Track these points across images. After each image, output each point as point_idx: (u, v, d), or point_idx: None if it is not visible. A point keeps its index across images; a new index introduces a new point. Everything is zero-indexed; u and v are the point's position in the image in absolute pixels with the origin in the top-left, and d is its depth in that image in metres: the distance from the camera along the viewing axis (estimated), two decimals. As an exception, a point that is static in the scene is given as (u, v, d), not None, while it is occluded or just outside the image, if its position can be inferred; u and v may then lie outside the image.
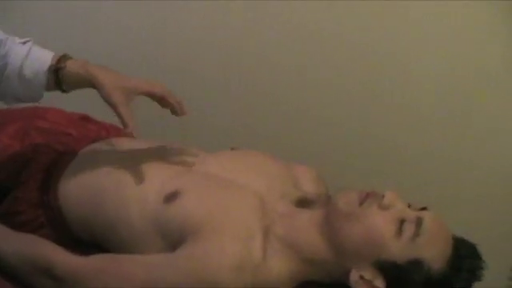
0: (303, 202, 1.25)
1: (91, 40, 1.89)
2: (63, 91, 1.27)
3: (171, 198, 1.15)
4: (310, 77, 1.85)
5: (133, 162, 1.25)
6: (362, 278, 1.09)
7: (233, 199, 1.16)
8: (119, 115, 1.19)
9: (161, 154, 1.30)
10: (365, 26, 1.77)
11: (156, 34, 1.91)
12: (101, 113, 1.48)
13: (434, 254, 1.08)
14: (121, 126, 1.45)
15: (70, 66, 1.24)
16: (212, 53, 1.87)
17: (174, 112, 1.26)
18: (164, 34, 1.90)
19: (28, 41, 1.27)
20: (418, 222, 1.08)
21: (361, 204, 1.11)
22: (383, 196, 1.11)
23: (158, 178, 1.21)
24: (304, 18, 1.80)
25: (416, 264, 1.07)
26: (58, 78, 1.24)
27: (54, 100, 1.33)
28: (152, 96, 1.24)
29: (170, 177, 1.21)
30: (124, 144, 1.37)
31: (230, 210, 1.13)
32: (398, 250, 1.07)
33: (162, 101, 1.25)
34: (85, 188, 1.24)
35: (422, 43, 1.75)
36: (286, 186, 1.26)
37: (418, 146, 1.83)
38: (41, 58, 1.25)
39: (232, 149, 1.39)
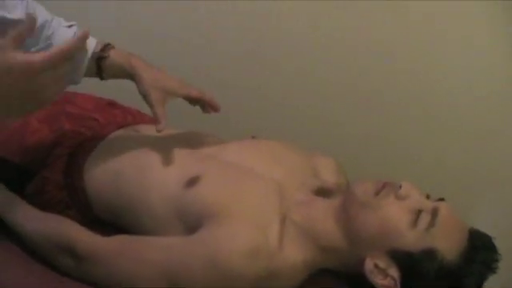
0: (322, 192, 1.27)
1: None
2: (102, 79, 1.30)
3: (191, 183, 1.17)
4: (328, 71, 1.88)
5: (156, 147, 1.28)
6: (376, 266, 1.11)
7: (251, 186, 1.18)
8: (154, 114, 1.23)
9: (183, 142, 1.33)
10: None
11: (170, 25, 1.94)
12: (128, 98, 1.52)
13: (448, 244, 1.08)
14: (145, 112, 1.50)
15: (113, 57, 1.26)
16: (232, 41, 1.90)
17: (206, 110, 1.31)
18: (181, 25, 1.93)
19: (73, 25, 1.29)
20: (434, 213, 1.09)
21: (377, 194, 1.12)
22: (400, 186, 1.13)
23: (180, 163, 1.24)
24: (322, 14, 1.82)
25: (430, 254, 1.07)
26: (100, 66, 1.27)
27: (83, 85, 1.36)
28: (188, 99, 1.30)
29: (191, 163, 1.23)
30: (148, 130, 1.40)
31: (248, 196, 1.15)
32: (413, 239, 1.08)
33: (196, 102, 1.30)
34: (108, 172, 1.28)
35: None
36: (305, 175, 1.28)
37: (433, 146, 1.85)
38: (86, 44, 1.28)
39: (253, 137, 1.41)
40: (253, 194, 1.16)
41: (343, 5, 1.77)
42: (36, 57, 0.90)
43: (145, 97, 1.24)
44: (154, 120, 1.48)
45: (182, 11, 1.90)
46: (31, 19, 0.93)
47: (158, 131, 1.23)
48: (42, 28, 1.27)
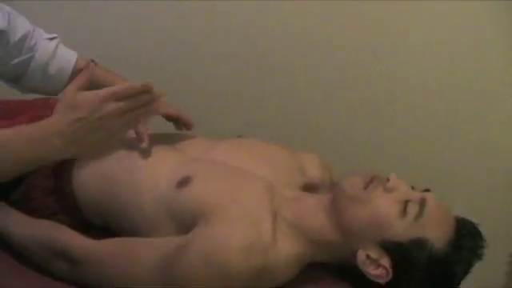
0: (309, 188, 1.30)
1: (87, 39, 1.94)
2: None
3: (183, 183, 1.18)
4: (313, 72, 1.90)
5: (144, 149, 1.28)
6: (368, 257, 1.14)
7: (242, 185, 1.20)
8: (137, 133, 1.27)
9: (170, 142, 1.35)
10: (366, 27, 1.82)
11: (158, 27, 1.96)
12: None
13: (436, 233, 1.12)
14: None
15: (98, 74, 1.31)
16: (218, 42, 1.92)
17: (179, 128, 1.41)
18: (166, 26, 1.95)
19: (55, 37, 1.32)
20: (422, 203, 1.13)
21: (366, 187, 1.15)
22: (388, 179, 1.16)
23: (169, 164, 1.25)
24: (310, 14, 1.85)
25: (419, 243, 1.11)
26: None
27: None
28: (166, 117, 1.39)
29: (181, 163, 1.25)
30: (133, 133, 1.41)
31: (240, 194, 1.17)
32: (403, 229, 1.11)
33: (172, 120, 1.39)
34: (97, 175, 1.28)
35: (423, 42, 1.79)
36: (292, 172, 1.31)
37: (421, 141, 1.90)
38: (66, 57, 1.31)
39: (239, 137, 1.44)
40: (244, 192, 1.18)
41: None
42: (100, 90, 1.05)
43: None
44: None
45: (171, 11, 1.93)
46: (90, 69, 1.09)
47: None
48: (25, 39, 1.29)
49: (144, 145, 1.26)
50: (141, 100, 1.08)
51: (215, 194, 1.16)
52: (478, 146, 1.84)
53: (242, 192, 1.18)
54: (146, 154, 1.27)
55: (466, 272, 1.14)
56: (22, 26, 1.29)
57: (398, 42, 1.80)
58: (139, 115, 1.10)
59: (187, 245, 1.10)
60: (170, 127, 1.42)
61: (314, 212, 1.19)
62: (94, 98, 1.04)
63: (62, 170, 1.30)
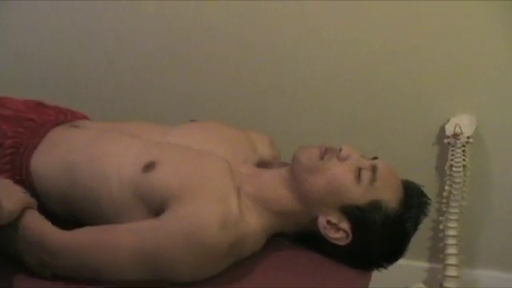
0: (262, 164, 1.38)
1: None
2: None
3: (149, 167, 1.22)
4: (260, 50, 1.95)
5: (104, 138, 1.32)
6: (329, 222, 1.23)
7: (205, 165, 1.25)
8: None
9: (127, 131, 1.37)
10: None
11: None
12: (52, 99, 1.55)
13: (389, 195, 1.23)
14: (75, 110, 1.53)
15: None
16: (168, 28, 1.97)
17: None
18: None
19: None
20: (374, 169, 1.23)
21: (321, 158, 1.24)
22: (340, 149, 1.25)
23: (131, 150, 1.28)
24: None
25: (375, 205, 1.21)
26: None
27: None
28: None
29: (143, 148, 1.29)
30: (88, 125, 1.43)
31: (206, 174, 1.22)
32: (359, 194, 1.21)
33: None
34: (59, 166, 1.29)
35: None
36: (246, 150, 1.38)
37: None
38: None
39: (192, 121, 1.49)
40: (209, 172, 1.23)
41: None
42: None
43: None
44: (88, 116, 1.53)
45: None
46: None
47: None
48: None
49: None
50: None
51: (182, 176, 1.21)
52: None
53: (206, 172, 1.23)
54: (106, 142, 1.31)
55: (415, 229, 1.26)
56: None
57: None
58: None
59: (163, 226, 1.14)
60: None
61: (273, 185, 1.27)
62: None
63: (19, 165, 1.31)
